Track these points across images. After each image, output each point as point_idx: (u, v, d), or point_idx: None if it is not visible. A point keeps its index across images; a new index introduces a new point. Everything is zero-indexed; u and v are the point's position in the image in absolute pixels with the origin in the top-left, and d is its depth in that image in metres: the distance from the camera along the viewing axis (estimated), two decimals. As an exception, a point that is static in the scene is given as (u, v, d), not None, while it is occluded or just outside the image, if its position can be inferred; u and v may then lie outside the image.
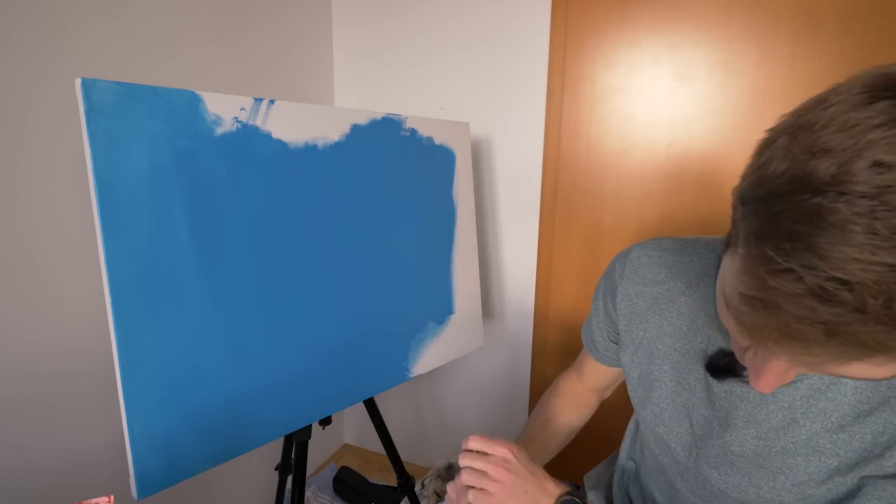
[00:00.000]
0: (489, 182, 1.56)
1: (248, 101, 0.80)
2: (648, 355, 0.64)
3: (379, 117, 1.01)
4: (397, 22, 1.57)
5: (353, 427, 1.98)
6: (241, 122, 0.80)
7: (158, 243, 0.71)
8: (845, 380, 0.48)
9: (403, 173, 1.07)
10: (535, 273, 1.55)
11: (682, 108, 1.31)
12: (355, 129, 0.97)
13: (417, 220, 1.10)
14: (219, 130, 0.77)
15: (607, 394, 0.84)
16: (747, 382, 0.52)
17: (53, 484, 1.00)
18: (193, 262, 0.75)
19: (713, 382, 0.57)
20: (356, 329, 0.98)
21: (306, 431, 0.96)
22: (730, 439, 0.55)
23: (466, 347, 1.23)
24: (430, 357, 1.13)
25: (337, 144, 0.94)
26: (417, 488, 1.58)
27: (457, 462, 0.60)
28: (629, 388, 0.69)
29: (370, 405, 1.13)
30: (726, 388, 0.55)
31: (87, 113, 0.63)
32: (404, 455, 1.87)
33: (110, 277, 0.66)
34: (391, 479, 1.75)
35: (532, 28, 1.41)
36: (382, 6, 1.58)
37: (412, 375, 1.09)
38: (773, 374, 0.39)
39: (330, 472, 1.70)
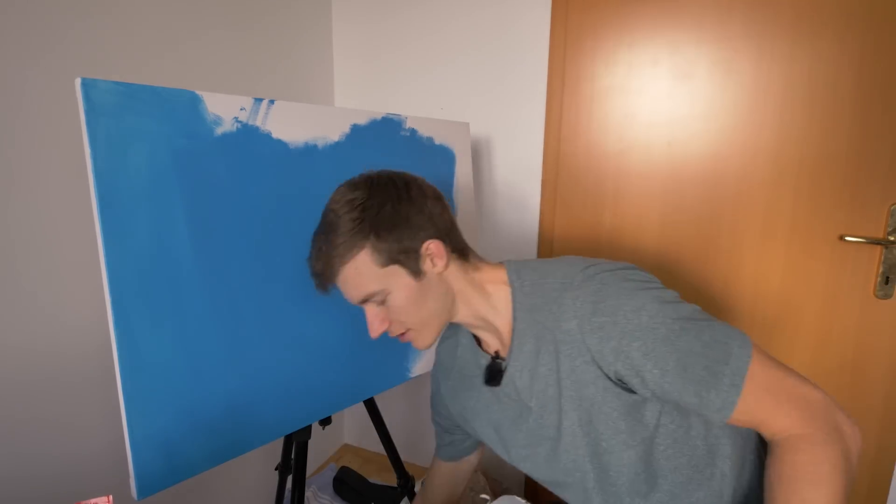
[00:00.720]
0: (489, 182, 1.56)
1: (248, 101, 0.80)
2: (477, 414, 0.81)
3: (379, 117, 1.01)
4: (397, 22, 1.57)
5: (353, 427, 1.98)
6: (241, 122, 0.80)
7: (158, 243, 0.71)
8: (525, 349, 0.68)
9: (403, 173, 1.06)
10: (535, 273, 1.55)
11: (682, 108, 1.31)
12: (355, 129, 0.97)
13: (417, 220, 1.10)
14: (219, 130, 0.77)
15: (476, 462, 1.01)
16: (505, 379, 0.72)
17: (53, 484, 1.00)
18: (193, 262, 0.75)
19: (498, 393, 0.75)
20: (356, 329, 0.98)
21: (306, 431, 0.96)
22: (529, 426, 0.72)
23: (466, 347, 1.23)
24: (430, 357, 1.13)
25: (337, 144, 0.94)
26: (417, 488, 1.58)
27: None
28: (493, 448, 0.83)
29: (370, 405, 1.13)
30: (504, 391, 0.74)
31: (87, 113, 0.63)
32: (404, 455, 1.87)
33: (110, 277, 0.66)
34: (391, 479, 1.75)
35: (532, 28, 1.41)
36: (382, 6, 1.58)
37: (412, 375, 1.09)
38: (369, 321, 0.71)
39: (330, 472, 1.70)
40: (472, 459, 0.97)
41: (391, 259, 0.66)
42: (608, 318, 0.60)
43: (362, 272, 0.66)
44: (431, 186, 0.71)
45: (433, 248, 0.68)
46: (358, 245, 0.65)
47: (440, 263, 0.69)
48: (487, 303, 0.72)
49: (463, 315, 0.73)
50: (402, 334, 0.72)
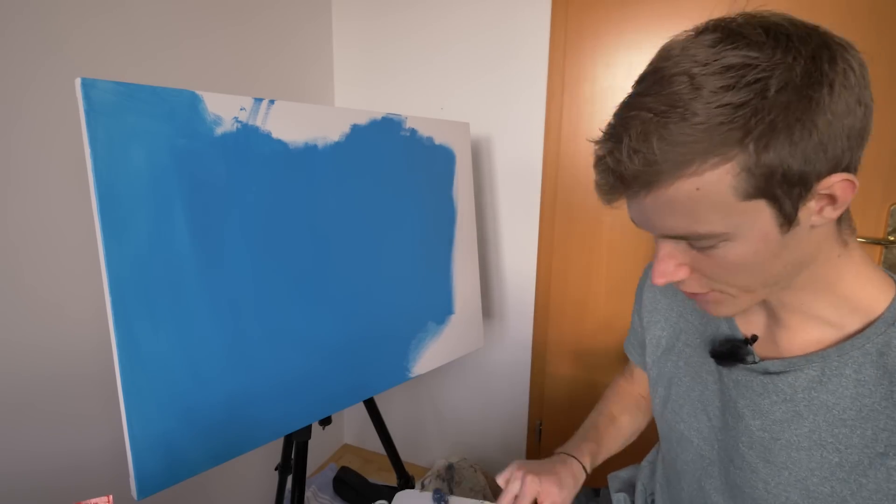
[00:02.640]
0: (489, 182, 1.56)
1: (247, 101, 0.80)
2: (666, 353, 0.66)
3: (379, 117, 1.01)
4: (397, 22, 1.57)
5: (353, 427, 1.98)
6: (240, 121, 0.80)
7: (158, 243, 0.71)
8: (847, 371, 0.47)
9: (403, 173, 1.07)
10: (535, 273, 1.55)
11: (682, 108, 1.31)
12: (355, 129, 0.97)
13: (417, 220, 1.10)
14: (219, 130, 0.77)
15: None
16: (752, 370, 0.53)
17: (53, 484, 1.00)
18: (193, 262, 0.75)
19: (723, 373, 0.57)
20: (356, 329, 0.98)
21: (306, 431, 0.96)
22: (740, 430, 0.54)
23: (466, 347, 1.23)
24: (430, 357, 1.13)
25: (337, 144, 0.94)
26: (417, 488, 1.58)
27: (458, 463, 0.63)
28: (650, 388, 0.70)
29: (370, 405, 1.13)
30: (734, 377, 0.55)
31: (87, 113, 0.63)
32: (404, 455, 1.87)
33: (110, 277, 0.66)
34: (391, 479, 1.75)
35: (532, 28, 1.40)
36: (382, 6, 1.58)
37: (412, 375, 1.09)
38: (659, 259, 0.45)
39: (330, 472, 1.70)
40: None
41: (764, 190, 0.38)
42: None
43: (705, 198, 0.39)
44: (863, 66, 0.41)
45: (839, 189, 0.40)
46: (722, 151, 0.37)
47: (831, 214, 0.41)
48: (831, 292, 0.47)
49: (790, 292, 0.48)
50: (704, 293, 0.48)
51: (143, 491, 0.70)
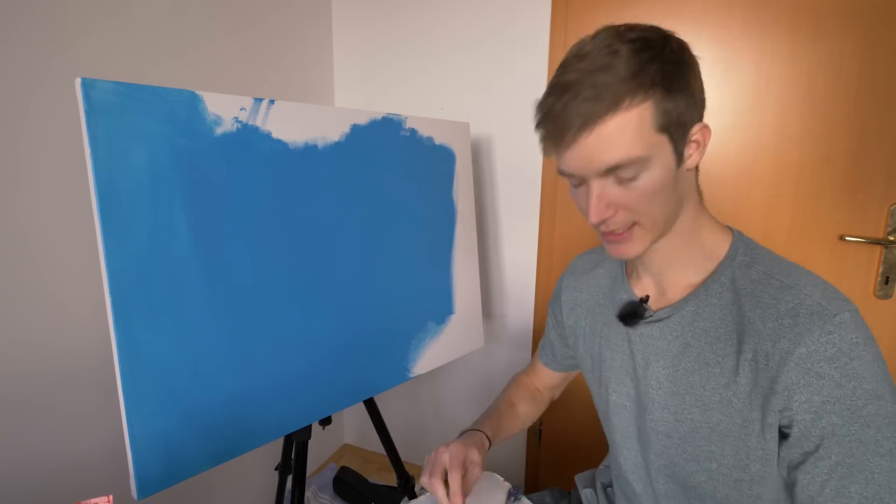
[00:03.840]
0: (489, 182, 1.56)
1: (248, 101, 0.80)
2: (591, 338, 0.75)
3: (379, 117, 1.01)
4: (397, 22, 1.57)
5: (353, 427, 1.98)
6: (241, 121, 0.80)
7: (158, 243, 0.71)
8: (713, 300, 0.59)
9: (403, 173, 1.07)
10: (535, 273, 1.55)
11: (682, 108, 1.31)
12: (355, 129, 0.97)
13: (417, 220, 1.10)
14: (219, 130, 0.77)
15: (555, 394, 0.97)
16: (650, 322, 0.64)
17: (53, 484, 1.00)
18: (193, 262, 0.75)
19: (630, 332, 0.67)
20: (356, 329, 0.98)
21: (306, 431, 0.96)
22: (650, 375, 0.64)
23: (466, 347, 1.23)
24: (430, 357, 1.13)
25: (337, 144, 0.94)
26: (417, 488, 1.58)
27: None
28: (586, 377, 0.78)
29: (370, 405, 1.13)
30: (638, 332, 0.65)
31: (87, 113, 0.63)
32: (404, 455, 1.87)
33: (110, 277, 0.66)
34: (391, 479, 1.75)
35: (532, 28, 1.40)
36: (383, 6, 1.58)
37: (412, 375, 1.09)
38: (593, 200, 0.54)
39: (330, 472, 1.70)
40: (554, 383, 0.94)
41: (667, 126, 0.51)
42: (838, 377, 0.49)
43: (633, 129, 0.50)
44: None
45: (701, 134, 0.55)
46: (642, 92, 0.49)
47: (698, 157, 0.56)
48: (695, 240, 0.61)
49: (666, 240, 0.60)
50: (620, 233, 0.57)
51: (143, 491, 0.70)
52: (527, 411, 0.89)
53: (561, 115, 0.51)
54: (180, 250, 0.73)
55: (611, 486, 0.85)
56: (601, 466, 0.90)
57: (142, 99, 0.69)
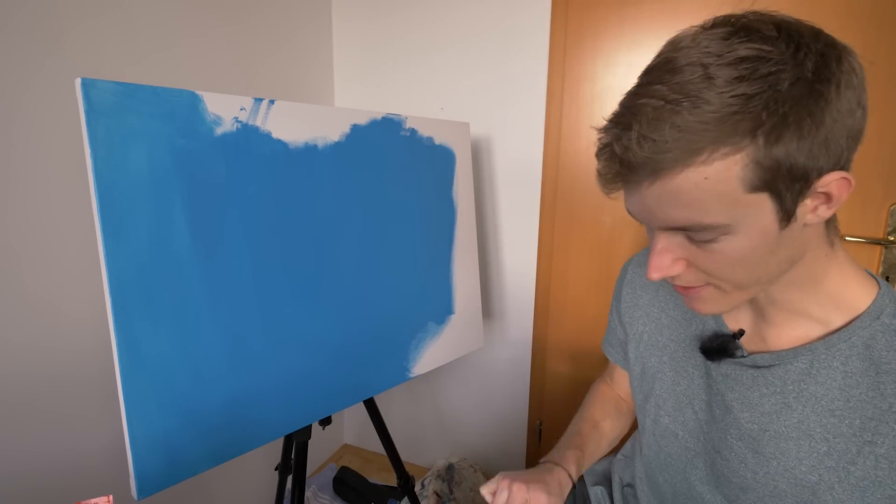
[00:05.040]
0: (489, 182, 1.56)
1: (248, 101, 0.80)
2: (649, 349, 0.66)
3: (379, 117, 1.01)
4: (397, 21, 1.57)
5: (353, 427, 1.98)
6: (241, 122, 0.80)
7: (158, 244, 0.71)
8: (835, 363, 0.48)
9: (403, 173, 1.07)
10: (535, 273, 1.55)
11: (682, 108, 1.31)
12: (355, 129, 0.97)
13: (417, 220, 1.10)
14: (219, 130, 0.77)
15: None
16: (741, 364, 0.55)
17: (53, 484, 1.00)
18: (193, 262, 0.75)
19: (711, 367, 0.58)
20: (356, 329, 0.98)
21: (306, 431, 0.96)
22: (728, 422, 0.55)
23: (466, 347, 1.23)
24: (430, 357, 1.13)
25: (337, 144, 0.94)
26: (417, 488, 1.58)
27: (458, 463, 0.62)
28: (632, 384, 0.71)
29: (370, 405, 1.13)
30: (722, 371, 0.56)
31: (87, 113, 0.63)
32: (404, 455, 1.87)
33: (110, 278, 0.66)
34: (391, 479, 1.75)
35: (532, 28, 1.40)
36: (382, 6, 1.58)
37: (412, 375, 1.09)
38: (655, 253, 0.45)
39: (330, 472, 1.70)
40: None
41: (768, 183, 0.38)
42: None
43: (712, 189, 0.39)
44: (862, 69, 0.40)
45: (836, 188, 0.40)
46: (733, 142, 0.37)
47: (825, 213, 0.42)
48: (816, 290, 0.49)
49: (773, 288, 0.49)
50: (693, 288, 0.48)
51: (143, 491, 0.70)
52: (612, 427, 0.78)
53: (620, 155, 0.41)
54: (180, 250, 0.73)
55: (630, 485, 0.80)
56: (619, 456, 0.84)
57: (142, 99, 0.69)
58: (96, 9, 0.99)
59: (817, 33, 0.39)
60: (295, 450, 0.98)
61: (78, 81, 0.63)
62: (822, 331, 0.50)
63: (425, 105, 1.58)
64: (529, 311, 1.59)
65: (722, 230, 0.41)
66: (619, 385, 0.83)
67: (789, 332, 0.51)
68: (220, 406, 0.78)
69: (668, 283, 0.65)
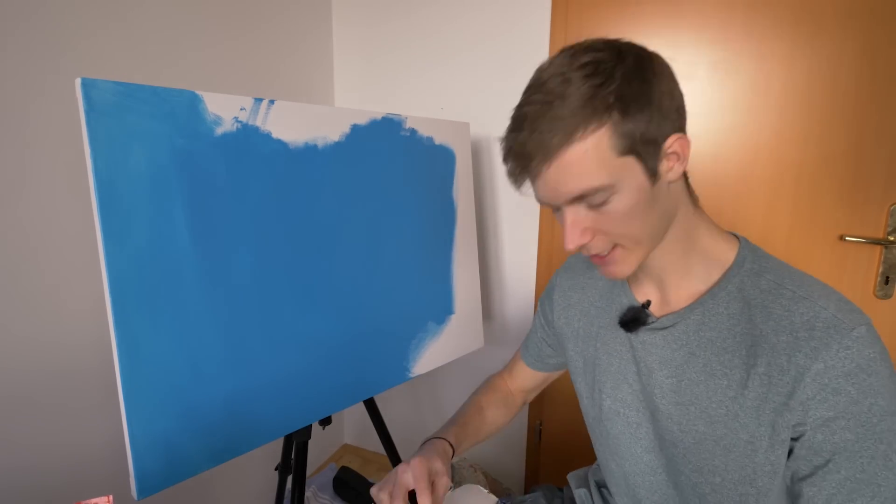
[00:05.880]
0: (489, 182, 1.56)
1: (248, 101, 0.80)
2: (586, 341, 0.74)
3: (379, 117, 1.01)
4: (398, 22, 1.57)
5: (353, 427, 1.98)
6: (241, 122, 0.80)
7: (158, 243, 0.71)
8: (720, 309, 0.58)
9: (403, 173, 1.07)
10: (535, 273, 1.55)
11: (682, 108, 1.31)
12: (355, 129, 0.97)
13: (417, 220, 1.10)
14: (219, 130, 0.77)
15: (530, 397, 0.95)
16: (653, 329, 0.63)
17: (53, 483, 1.00)
18: (193, 262, 0.75)
19: (631, 339, 0.66)
20: (356, 329, 0.98)
21: (306, 431, 0.96)
22: (653, 383, 0.63)
23: (466, 347, 1.23)
24: (430, 357, 1.13)
25: (337, 144, 0.94)
26: (417, 488, 1.57)
27: (458, 463, 0.64)
28: (574, 379, 0.77)
29: (370, 405, 1.13)
30: (640, 339, 0.64)
31: (87, 113, 0.63)
32: (404, 455, 1.87)
33: (110, 277, 0.66)
34: (391, 479, 1.75)
35: (532, 28, 1.40)
36: (383, 6, 1.58)
37: (412, 375, 1.09)
38: (567, 227, 0.55)
39: (330, 472, 1.70)
40: (533, 385, 0.91)
41: (631, 147, 0.50)
42: (854, 393, 0.49)
43: (592, 157, 0.50)
44: (669, 65, 0.55)
45: (679, 146, 0.53)
46: (596, 120, 0.49)
47: (679, 168, 0.54)
48: (694, 248, 0.60)
49: (662, 249, 0.59)
50: (604, 255, 0.58)
51: (143, 491, 0.70)
52: (496, 416, 0.87)
53: (521, 151, 0.53)
54: (180, 250, 0.73)
55: (605, 486, 0.84)
56: (594, 465, 0.89)
57: (142, 99, 0.69)
58: (99, 10, 0.99)
59: (630, 44, 0.54)
60: (295, 450, 0.98)
61: (78, 81, 0.63)
62: (706, 285, 0.60)
63: (425, 105, 1.58)
64: (529, 312, 1.59)
65: (610, 190, 0.52)
66: (515, 380, 0.92)
67: (684, 292, 0.62)
68: (220, 406, 0.78)
69: (591, 280, 0.75)
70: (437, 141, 1.15)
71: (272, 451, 1.59)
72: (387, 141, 1.03)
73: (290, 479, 1.42)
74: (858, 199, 1.19)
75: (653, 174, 0.53)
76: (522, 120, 0.52)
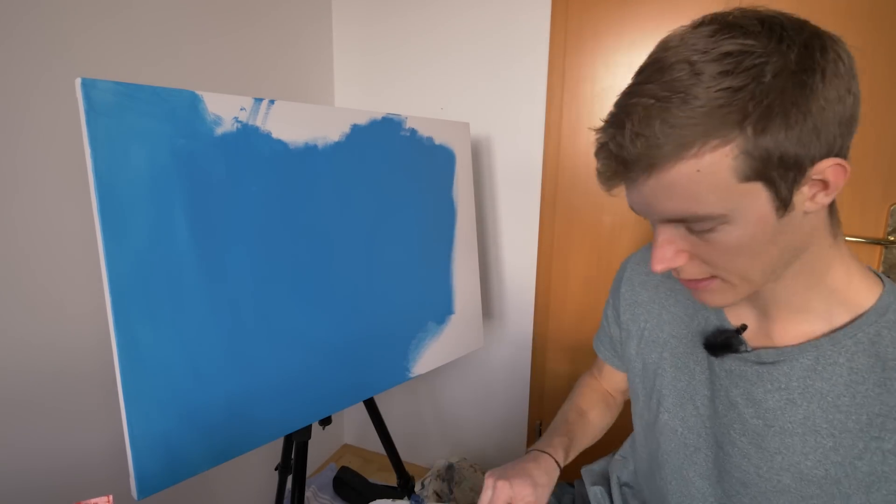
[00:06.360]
0: (489, 182, 1.56)
1: (248, 101, 0.80)
2: (649, 345, 0.66)
3: (379, 117, 1.01)
4: (397, 21, 1.57)
5: (353, 427, 1.98)
6: (241, 122, 0.80)
7: (158, 243, 0.71)
8: (840, 360, 0.48)
9: (403, 173, 1.07)
10: (535, 273, 1.55)
11: (682, 108, 1.31)
12: (355, 129, 0.97)
13: (417, 220, 1.10)
14: (219, 130, 0.77)
15: (629, 396, 0.82)
16: (745, 360, 0.54)
17: (53, 484, 1.00)
18: (193, 262, 0.75)
19: (714, 363, 0.57)
20: (356, 329, 0.98)
21: (306, 431, 0.96)
22: (732, 418, 0.55)
23: (466, 347, 1.23)
24: (430, 357, 1.13)
25: (337, 144, 0.94)
26: (417, 488, 1.58)
27: (458, 463, 0.61)
28: (632, 381, 0.70)
29: (370, 405, 1.13)
30: (726, 367, 0.56)
31: (87, 113, 0.63)
32: (404, 455, 1.87)
33: (110, 277, 0.66)
34: (391, 479, 1.75)
35: (532, 28, 1.40)
36: (382, 6, 1.57)
37: (412, 375, 1.09)
38: (658, 245, 0.46)
39: (330, 472, 1.70)
40: (625, 385, 0.81)
41: (761, 172, 0.39)
42: None
43: (704, 181, 0.40)
44: (851, 57, 0.41)
45: (832, 174, 0.41)
46: (722, 135, 0.38)
47: (824, 200, 0.42)
48: (820, 285, 0.49)
49: (783, 282, 0.49)
50: (698, 281, 0.48)
51: (143, 491, 0.70)
52: (600, 418, 0.78)
53: (616, 153, 0.42)
54: (180, 250, 0.73)
55: (628, 485, 0.80)
56: (617, 456, 0.84)
57: (142, 99, 0.69)
58: (98, 10, 0.99)
59: (801, 25, 0.40)
60: (295, 450, 0.98)
61: (78, 81, 0.63)
62: (826, 327, 0.50)
63: (425, 105, 1.58)
64: (529, 311, 1.59)
65: (719, 220, 0.42)
66: (606, 380, 0.83)
67: (793, 329, 0.52)
68: (220, 406, 0.78)
69: (668, 280, 0.66)
70: (437, 141, 1.15)
71: (272, 451, 1.59)
72: (387, 141, 1.03)
73: (290, 479, 1.42)
74: (858, 199, 1.19)
75: (783, 205, 0.41)
76: (629, 113, 0.41)
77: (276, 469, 1.23)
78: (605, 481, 0.83)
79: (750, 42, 0.38)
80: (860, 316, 0.48)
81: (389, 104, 1.64)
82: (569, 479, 0.91)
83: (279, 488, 1.22)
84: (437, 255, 1.16)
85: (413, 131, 1.09)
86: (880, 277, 0.51)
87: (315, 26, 1.59)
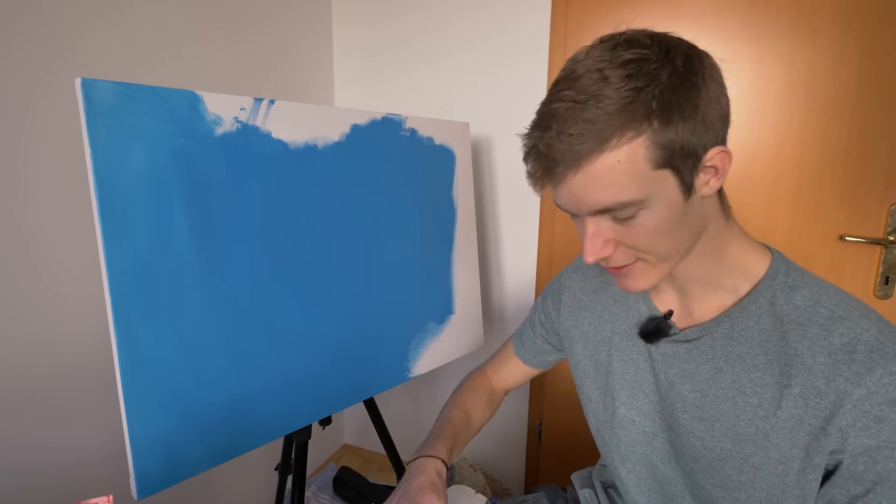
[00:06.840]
0: (489, 182, 1.56)
1: (248, 101, 0.80)
2: (597, 345, 0.71)
3: (379, 117, 1.01)
4: (397, 22, 1.57)
5: (353, 427, 1.98)
6: (241, 122, 0.80)
7: (158, 243, 0.71)
8: (750, 323, 0.55)
9: (403, 173, 1.07)
10: (535, 273, 1.55)
11: (682, 108, 1.31)
12: (355, 129, 0.97)
13: (417, 220, 1.10)
14: (219, 130, 0.77)
15: (508, 392, 0.93)
16: (675, 341, 0.60)
17: (53, 484, 1.00)
18: (193, 262, 0.75)
19: (651, 349, 0.63)
20: (356, 329, 0.98)
21: (306, 431, 0.96)
22: (674, 397, 0.60)
23: (466, 347, 1.23)
24: (430, 357, 1.13)
25: (337, 144, 0.94)
26: (417, 488, 1.57)
27: (458, 463, 0.63)
28: (581, 383, 0.74)
29: (370, 405, 1.13)
30: (661, 350, 0.62)
31: (87, 113, 0.63)
32: (404, 455, 1.87)
33: (110, 277, 0.66)
34: (391, 479, 1.75)
35: (532, 28, 1.41)
36: (382, 6, 1.58)
37: (412, 375, 1.09)
38: (588, 238, 0.51)
39: (330, 472, 1.70)
40: (519, 381, 0.89)
41: (668, 160, 0.46)
42: None
43: (624, 170, 0.46)
44: (719, 68, 0.50)
45: (719, 160, 0.49)
46: (634, 128, 0.44)
47: (716, 184, 0.50)
48: (724, 261, 0.57)
49: (688, 262, 0.56)
50: (626, 266, 0.54)
51: (143, 491, 0.70)
52: (482, 418, 0.86)
53: (545, 152, 0.47)
54: (180, 250, 0.73)
55: (612, 486, 0.83)
56: (598, 465, 0.88)
57: (142, 99, 0.69)
58: (98, 10, 0.99)
59: (680, 41, 0.48)
60: (295, 450, 0.98)
61: (78, 81, 0.63)
62: (735, 298, 0.57)
63: (425, 105, 1.58)
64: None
65: (640, 206, 0.48)
66: (505, 375, 0.90)
67: (708, 304, 0.59)
68: (220, 406, 0.78)
69: (604, 284, 0.72)
70: (437, 141, 1.15)
71: (272, 451, 1.59)
72: (387, 141, 1.03)
73: (290, 479, 1.42)
74: (858, 199, 1.19)
75: (687, 189, 0.49)
76: (550, 118, 0.47)
77: (276, 469, 1.23)
78: (590, 485, 0.86)
79: (645, 52, 0.46)
80: (758, 283, 0.56)
81: (389, 104, 1.64)
82: (562, 485, 0.94)
83: (279, 488, 1.22)
84: (437, 254, 1.16)
85: (413, 131, 1.09)
86: (768, 248, 0.59)
87: (315, 27, 1.59)
